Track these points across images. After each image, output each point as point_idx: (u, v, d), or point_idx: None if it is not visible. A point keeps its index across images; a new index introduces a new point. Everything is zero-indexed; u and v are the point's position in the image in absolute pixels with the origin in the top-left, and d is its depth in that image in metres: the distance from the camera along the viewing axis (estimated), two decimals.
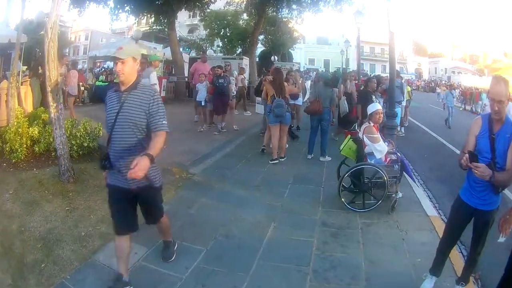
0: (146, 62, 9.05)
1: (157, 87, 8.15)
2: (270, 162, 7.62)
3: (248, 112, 14.41)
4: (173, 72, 20.38)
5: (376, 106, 5.67)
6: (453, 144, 10.75)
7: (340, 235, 4.66)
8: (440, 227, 4.63)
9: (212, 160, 7.76)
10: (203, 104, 10.52)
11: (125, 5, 16.51)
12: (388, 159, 5.56)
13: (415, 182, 6.56)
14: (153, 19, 19.67)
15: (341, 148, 5.94)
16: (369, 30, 50.69)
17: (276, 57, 30.72)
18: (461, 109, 26.16)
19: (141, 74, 8.92)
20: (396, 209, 5.39)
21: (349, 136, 5.97)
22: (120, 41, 22.43)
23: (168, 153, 7.37)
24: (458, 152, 9.79)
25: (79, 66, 19.32)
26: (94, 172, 5.83)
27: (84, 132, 6.57)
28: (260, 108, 14.34)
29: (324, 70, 25.95)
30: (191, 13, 44.31)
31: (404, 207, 5.57)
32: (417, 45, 63.33)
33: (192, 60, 19.39)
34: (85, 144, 6.49)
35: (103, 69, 24.72)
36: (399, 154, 5.72)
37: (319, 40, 55.88)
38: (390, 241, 4.52)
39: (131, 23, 24.33)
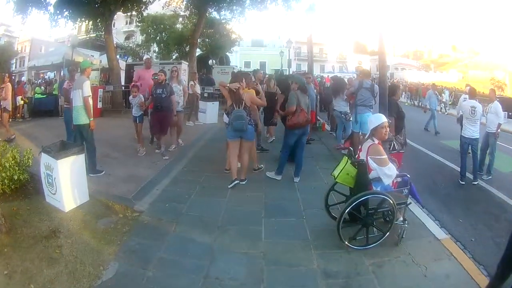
0: (75, 70, 7.55)
1: (91, 100, 6.49)
2: (228, 187, 6.20)
3: (191, 122, 12.59)
4: (110, 81, 18.54)
5: (381, 118, 4.52)
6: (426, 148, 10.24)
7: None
8: (456, 251, 4.34)
9: (159, 189, 6.15)
10: (137, 120, 8.36)
11: (64, 10, 15.71)
12: (394, 182, 4.44)
13: (421, 205, 5.61)
14: (91, 24, 18.65)
15: (335, 174, 4.64)
16: (305, 30, 51.31)
17: (214, 61, 29.29)
18: (406, 104, 27.10)
19: (70, 85, 7.19)
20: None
21: (345, 158, 4.70)
22: (58, 49, 20.70)
23: (106, 181, 6.38)
24: (434, 155, 9.62)
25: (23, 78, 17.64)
26: (28, 215, 4.78)
27: (13, 162, 5.37)
28: (204, 117, 12.95)
29: (280, 71, 24.83)
30: (128, 20, 42.62)
31: (410, 234, 4.56)
32: (357, 44, 64.64)
33: (129, 67, 17.58)
34: (16, 177, 5.30)
35: (43, 80, 21.98)
36: (408, 176, 4.57)
37: (254, 42, 54.93)
38: (413, 282, 3.73)
39: (72, 31, 22.13)
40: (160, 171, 7.00)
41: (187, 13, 23.71)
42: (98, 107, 14.15)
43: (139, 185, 6.24)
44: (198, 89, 13.03)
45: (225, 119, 6.81)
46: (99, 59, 19.42)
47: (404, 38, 76.15)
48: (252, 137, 6.64)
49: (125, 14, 19.36)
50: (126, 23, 46.29)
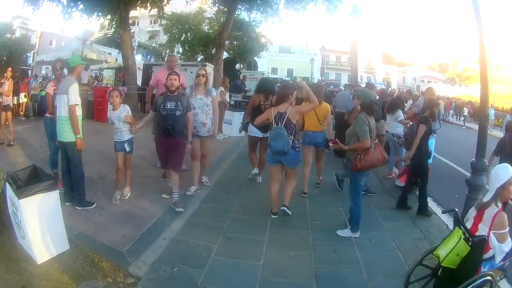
0: (63, 67, 5.91)
1: (79, 109, 4.86)
2: (272, 216, 5.08)
3: (220, 135, 10.55)
4: (125, 81, 17.01)
5: (510, 171, 3.10)
6: None
7: None
8: None
9: (166, 239, 4.43)
10: (127, 149, 5.35)
11: (79, 2, 14.63)
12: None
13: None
14: (108, 19, 17.00)
15: (441, 255, 3.03)
16: (334, 38, 49.86)
17: (242, 65, 27.62)
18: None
19: (55, 88, 5.45)
20: None
21: (458, 231, 3.08)
22: (70, 43, 19.81)
23: (96, 220, 4.74)
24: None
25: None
26: None
27: None
28: (229, 129, 11.04)
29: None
30: (153, 19, 41.88)
31: None
32: (384, 54, 62.88)
33: (147, 67, 16.01)
34: None
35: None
36: None
37: (281, 48, 54.08)
38: None
39: (87, 25, 21.18)
40: (170, 208, 5.23)
41: (214, 10, 22.12)
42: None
43: (140, 229, 4.56)
44: (227, 97, 11.30)
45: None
46: (115, 57, 18.22)
47: (430, 49, 74.15)
48: (295, 163, 5.12)
49: (146, 10, 17.88)
50: (151, 23, 46.00)
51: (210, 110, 5.77)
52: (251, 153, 6.74)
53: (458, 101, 29.11)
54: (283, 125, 4.85)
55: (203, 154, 5.98)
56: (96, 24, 19.32)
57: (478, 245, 3.01)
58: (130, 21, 44.33)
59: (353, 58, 12.01)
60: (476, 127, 18.71)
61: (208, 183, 6.40)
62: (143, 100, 13.61)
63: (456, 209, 3.32)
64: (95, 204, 5.09)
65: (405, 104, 7.71)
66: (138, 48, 35.47)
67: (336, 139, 5.01)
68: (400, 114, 7.26)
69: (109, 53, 19.32)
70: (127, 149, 5.31)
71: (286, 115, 4.89)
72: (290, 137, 4.82)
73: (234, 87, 15.19)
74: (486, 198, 3.22)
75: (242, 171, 7.33)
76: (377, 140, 4.56)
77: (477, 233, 3.11)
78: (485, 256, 3.15)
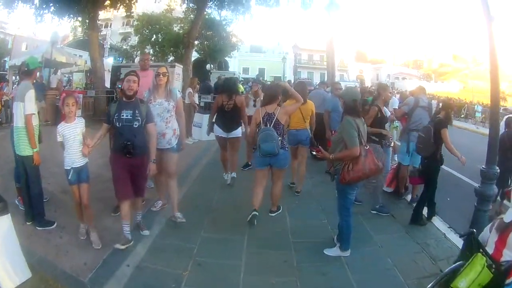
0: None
1: (36, 119, 4.18)
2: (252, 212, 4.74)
3: (190, 139, 9.75)
4: (92, 85, 16.28)
5: None
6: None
7: None
8: None
9: (131, 266, 3.70)
10: (83, 179, 4.07)
11: (50, 4, 14.14)
12: None
13: None
14: (79, 20, 16.10)
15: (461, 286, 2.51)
16: (306, 37, 49.52)
17: (212, 66, 26.80)
18: None
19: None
20: None
21: (480, 258, 2.58)
22: (41, 46, 18.13)
23: (57, 242, 4.08)
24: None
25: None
26: None
27: None
28: (199, 133, 10.04)
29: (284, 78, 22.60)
30: (125, 21, 40.41)
31: None
32: (357, 52, 63.08)
33: (115, 69, 15.00)
34: None
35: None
36: None
37: (252, 48, 53.42)
38: None
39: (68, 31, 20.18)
40: (134, 228, 4.34)
41: (184, 8, 21.25)
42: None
43: (101, 254, 3.82)
44: (196, 98, 10.57)
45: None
46: (85, 60, 17.35)
47: (403, 47, 75.50)
48: (285, 164, 5.01)
49: (116, 10, 16.89)
50: (123, 24, 44.45)
51: (172, 117, 4.67)
52: (222, 154, 6.55)
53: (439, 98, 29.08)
54: (272, 125, 4.68)
55: (167, 171, 4.78)
56: (68, 27, 18.33)
57: (504, 273, 2.48)
58: (103, 23, 42.83)
59: (330, 55, 11.33)
60: (462, 124, 18.56)
61: (182, 219, 4.72)
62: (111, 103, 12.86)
63: (475, 230, 2.75)
64: (55, 223, 4.41)
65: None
66: (110, 51, 34.21)
67: (319, 147, 4.34)
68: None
69: (80, 56, 18.22)
70: (80, 178, 4.03)
71: (275, 115, 4.73)
72: (279, 137, 4.65)
73: (204, 88, 14.41)
74: (508, 218, 2.66)
75: (214, 179, 6.67)
76: (368, 147, 3.92)
77: (502, 259, 2.55)
78: (508, 281, 2.56)
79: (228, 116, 6.19)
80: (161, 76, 4.54)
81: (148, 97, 4.58)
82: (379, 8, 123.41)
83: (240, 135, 6.50)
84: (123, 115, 3.93)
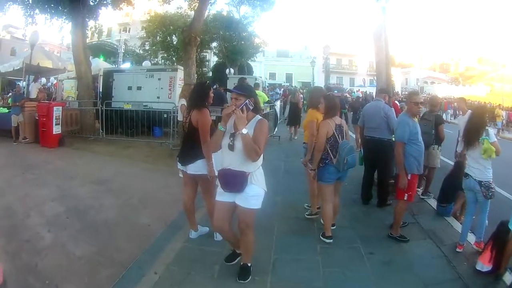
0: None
1: None
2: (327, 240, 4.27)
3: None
4: (78, 94, 13.83)
5: None
6: None
7: None
8: None
9: None
10: None
11: (45, 5, 12.85)
12: None
13: None
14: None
15: None
16: (334, 41, 47.06)
17: (232, 70, 23.79)
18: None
19: None
20: None
21: None
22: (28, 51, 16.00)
23: None
24: None
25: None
26: None
27: None
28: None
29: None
30: (144, 25, 38.82)
31: None
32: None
33: (107, 74, 12.71)
34: None
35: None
36: None
37: (279, 53, 52.61)
38: None
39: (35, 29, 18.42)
40: None
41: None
42: (55, 133, 9.78)
43: None
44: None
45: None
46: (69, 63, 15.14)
47: (429, 49, 72.66)
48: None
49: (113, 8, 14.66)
50: (142, 29, 42.83)
51: None
52: (183, 196, 4.35)
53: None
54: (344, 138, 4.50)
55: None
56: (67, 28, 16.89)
57: None
58: (121, 28, 41.62)
59: (379, 51, 8.02)
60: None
61: None
62: (101, 117, 10.83)
63: None
64: None
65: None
66: (125, 56, 32.52)
67: None
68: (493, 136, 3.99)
69: (68, 58, 16.18)
70: None
71: (343, 127, 4.54)
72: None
73: (215, 98, 11.12)
74: None
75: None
76: None
77: None
78: None
79: (184, 141, 4.26)
80: None
81: None
82: (407, 10, 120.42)
83: (206, 172, 3.95)
84: None
